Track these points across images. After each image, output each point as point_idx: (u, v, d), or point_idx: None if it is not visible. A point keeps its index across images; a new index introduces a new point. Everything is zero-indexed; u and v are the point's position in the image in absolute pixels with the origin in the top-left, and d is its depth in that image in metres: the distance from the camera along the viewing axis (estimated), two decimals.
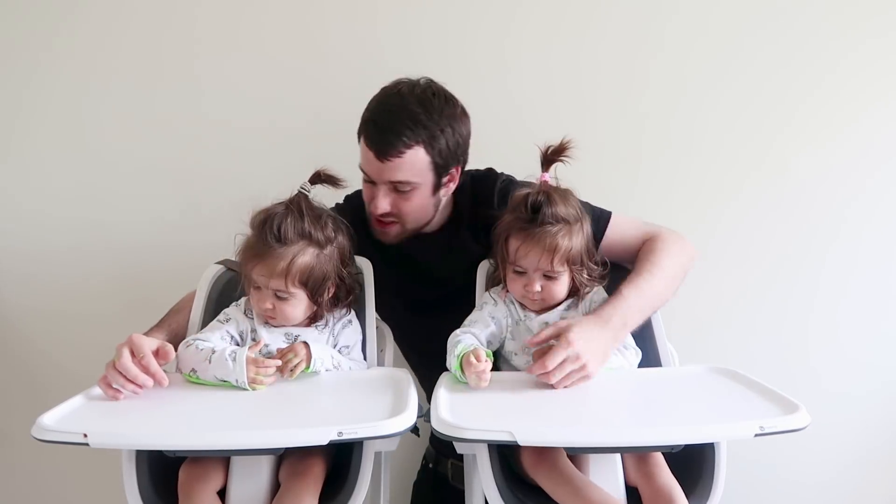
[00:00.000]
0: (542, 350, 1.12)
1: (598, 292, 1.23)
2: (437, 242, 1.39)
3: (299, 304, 1.15)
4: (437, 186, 1.30)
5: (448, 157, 1.28)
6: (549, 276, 1.17)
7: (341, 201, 1.43)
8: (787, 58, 1.67)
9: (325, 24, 1.69)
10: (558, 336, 1.09)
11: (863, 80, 1.66)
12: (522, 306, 1.22)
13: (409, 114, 1.24)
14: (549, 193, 1.16)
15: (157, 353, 1.06)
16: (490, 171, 1.41)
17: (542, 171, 1.20)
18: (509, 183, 1.35)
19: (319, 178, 1.20)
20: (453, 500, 1.41)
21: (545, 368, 1.06)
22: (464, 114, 1.31)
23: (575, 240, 1.16)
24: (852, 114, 1.67)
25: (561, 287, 1.18)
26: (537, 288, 1.17)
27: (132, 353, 1.04)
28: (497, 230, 1.21)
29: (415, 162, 1.24)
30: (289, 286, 1.13)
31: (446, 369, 1.15)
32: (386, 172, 1.25)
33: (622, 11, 1.67)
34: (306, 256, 1.13)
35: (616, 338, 1.14)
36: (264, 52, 1.70)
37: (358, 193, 1.41)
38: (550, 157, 1.19)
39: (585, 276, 1.19)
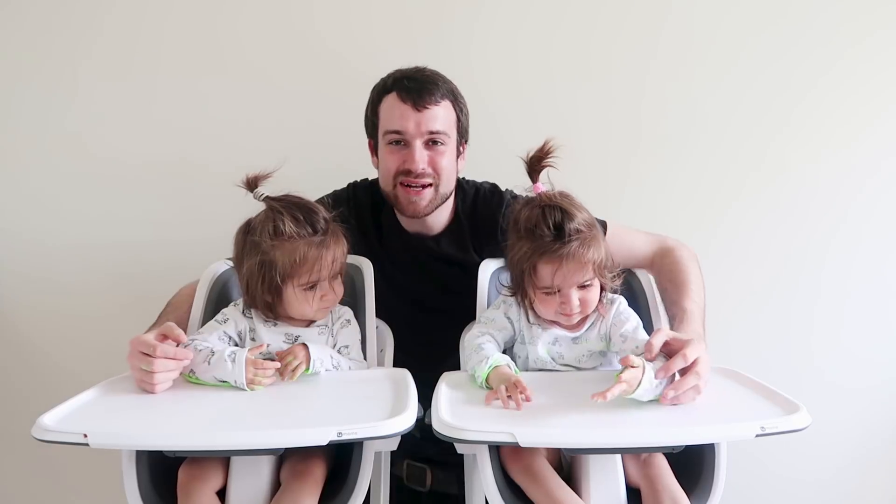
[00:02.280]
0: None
1: (624, 311, 1.16)
2: (437, 243, 1.40)
3: None
4: (457, 151, 1.37)
5: (465, 126, 1.38)
6: (583, 286, 1.12)
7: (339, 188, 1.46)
8: (786, 56, 1.67)
9: (324, 24, 1.69)
10: (675, 351, 1.01)
11: (863, 79, 1.66)
12: (534, 316, 1.17)
13: (439, 76, 1.34)
14: (561, 206, 1.10)
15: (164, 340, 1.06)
16: (494, 188, 1.43)
17: (534, 182, 1.15)
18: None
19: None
20: (410, 502, 1.40)
21: (676, 390, 0.97)
22: None
23: (602, 244, 1.12)
24: (852, 113, 1.67)
25: (595, 292, 1.13)
26: (576, 302, 1.11)
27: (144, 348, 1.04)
28: (517, 260, 1.13)
29: (448, 114, 1.33)
30: None
31: (444, 370, 1.15)
32: (424, 122, 1.29)
33: (619, 10, 1.67)
34: None
35: None
36: (264, 49, 1.69)
37: (364, 182, 1.44)
38: (536, 165, 1.15)
39: (609, 277, 1.14)
